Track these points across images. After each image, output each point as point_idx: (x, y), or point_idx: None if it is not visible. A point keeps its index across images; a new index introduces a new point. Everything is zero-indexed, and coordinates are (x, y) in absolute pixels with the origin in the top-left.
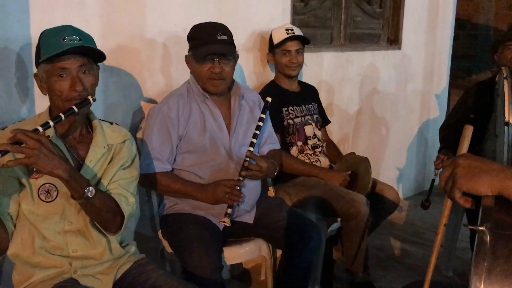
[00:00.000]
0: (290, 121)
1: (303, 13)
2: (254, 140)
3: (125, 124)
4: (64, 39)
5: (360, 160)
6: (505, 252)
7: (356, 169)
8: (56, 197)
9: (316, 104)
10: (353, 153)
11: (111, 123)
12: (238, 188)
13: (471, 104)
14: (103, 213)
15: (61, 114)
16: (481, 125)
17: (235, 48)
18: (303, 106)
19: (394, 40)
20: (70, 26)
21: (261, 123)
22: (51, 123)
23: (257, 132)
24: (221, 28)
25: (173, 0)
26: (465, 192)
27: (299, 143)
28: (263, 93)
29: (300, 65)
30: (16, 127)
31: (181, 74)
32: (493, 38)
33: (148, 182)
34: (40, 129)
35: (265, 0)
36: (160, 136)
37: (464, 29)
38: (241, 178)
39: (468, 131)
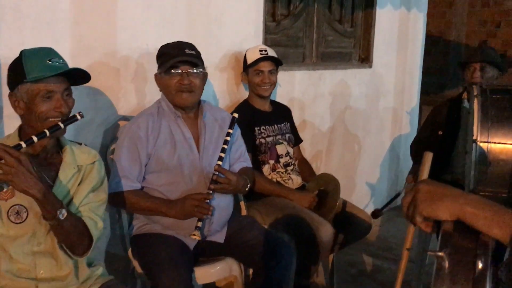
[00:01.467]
0: (262, 140)
1: (275, 33)
2: (222, 155)
3: (96, 143)
4: (49, 60)
5: (330, 179)
6: (463, 278)
7: (326, 188)
8: (26, 218)
9: (288, 124)
10: (325, 173)
11: (80, 144)
12: (208, 201)
13: (439, 121)
14: (72, 236)
15: (46, 130)
16: (449, 142)
17: (203, 64)
18: (275, 125)
19: (365, 59)
20: (51, 48)
21: (228, 138)
22: (35, 139)
23: (225, 146)
24: (189, 45)
25: (145, 20)
26: (426, 217)
27: (271, 162)
28: (236, 112)
29: (272, 85)
30: None
31: (153, 93)
32: (464, 54)
33: (117, 200)
34: (23, 144)
35: (238, 20)
36: (129, 154)
37: (437, 46)
38: (210, 192)
39: (428, 158)
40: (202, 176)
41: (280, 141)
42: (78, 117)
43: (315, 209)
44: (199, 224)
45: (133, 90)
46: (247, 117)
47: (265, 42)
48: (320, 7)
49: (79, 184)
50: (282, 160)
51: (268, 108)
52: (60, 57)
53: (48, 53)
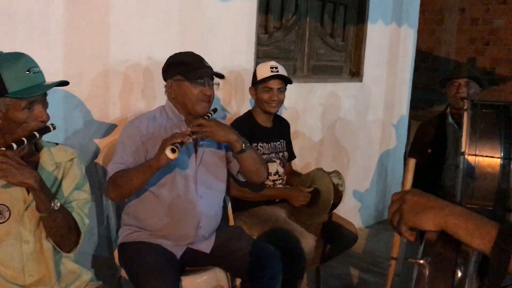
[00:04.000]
0: None
1: (267, 45)
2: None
3: (85, 151)
4: (28, 71)
5: (322, 176)
6: (442, 285)
7: (318, 186)
8: (9, 217)
9: (284, 142)
10: (319, 169)
11: (56, 144)
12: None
13: (427, 140)
14: (62, 230)
15: (23, 139)
16: (438, 158)
17: None
18: (271, 143)
19: (356, 73)
20: (24, 55)
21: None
22: (15, 146)
23: (209, 114)
24: (201, 57)
25: (138, 29)
26: (411, 227)
27: None
28: (238, 123)
29: (280, 102)
30: None
31: (145, 101)
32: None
33: (110, 183)
34: (15, 146)
35: (230, 31)
36: (128, 145)
37: (426, 62)
38: (188, 132)
39: (411, 164)
40: (196, 180)
41: (273, 159)
42: (51, 128)
43: (307, 206)
44: (177, 145)
45: (124, 98)
46: (246, 132)
47: (257, 54)
48: (312, 20)
49: (60, 181)
50: (270, 178)
51: (269, 124)
52: (35, 63)
53: (25, 62)
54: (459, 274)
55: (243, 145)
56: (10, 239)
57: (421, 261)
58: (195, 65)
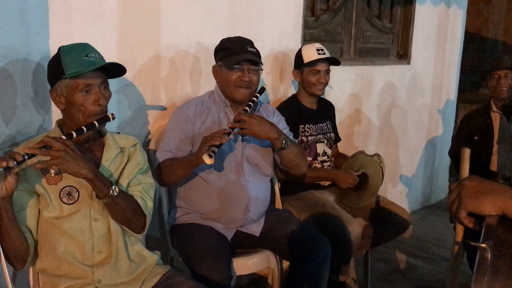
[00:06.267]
0: (304, 138)
1: (314, 27)
2: (247, 108)
3: (138, 136)
4: (86, 56)
5: (371, 161)
6: (505, 269)
7: (366, 170)
8: (78, 197)
9: (330, 123)
10: (362, 152)
11: (118, 133)
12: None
13: (473, 128)
14: (127, 213)
15: (83, 127)
16: (486, 144)
17: (261, 61)
18: (318, 124)
19: (403, 55)
20: (87, 44)
21: (255, 99)
22: (74, 134)
23: (255, 98)
24: (250, 42)
25: (187, 14)
26: (470, 212)
27: (309, 159)
28: (284, 107)
29: (326, 84)
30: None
31: (196, 86)
32: (501, 52)
33: (159, 171)
34: (74, 134)
35: (277, 15)
36: (175, 132)
37: (473, 43)
38: (228, 130)
39: (466, 154)
40: (242, 165)
41: (321, 140)
42: (111, 118)
43: (354, 190)
44: (214, 149)
45: (175, 84)
46: (293, 114)
47: (304, 36)
48: (359, 2)
49: (125, 164)
50: (319, 158)
51: (314, 106)
52: (96, 52)
53: (84, 49)
54: None
55: (283, 142)
56: (79, 215)
57: (483, 245)
58: (233, 51)
